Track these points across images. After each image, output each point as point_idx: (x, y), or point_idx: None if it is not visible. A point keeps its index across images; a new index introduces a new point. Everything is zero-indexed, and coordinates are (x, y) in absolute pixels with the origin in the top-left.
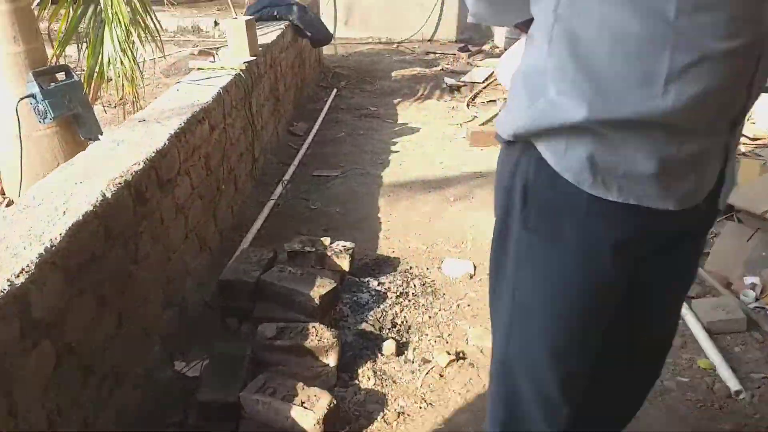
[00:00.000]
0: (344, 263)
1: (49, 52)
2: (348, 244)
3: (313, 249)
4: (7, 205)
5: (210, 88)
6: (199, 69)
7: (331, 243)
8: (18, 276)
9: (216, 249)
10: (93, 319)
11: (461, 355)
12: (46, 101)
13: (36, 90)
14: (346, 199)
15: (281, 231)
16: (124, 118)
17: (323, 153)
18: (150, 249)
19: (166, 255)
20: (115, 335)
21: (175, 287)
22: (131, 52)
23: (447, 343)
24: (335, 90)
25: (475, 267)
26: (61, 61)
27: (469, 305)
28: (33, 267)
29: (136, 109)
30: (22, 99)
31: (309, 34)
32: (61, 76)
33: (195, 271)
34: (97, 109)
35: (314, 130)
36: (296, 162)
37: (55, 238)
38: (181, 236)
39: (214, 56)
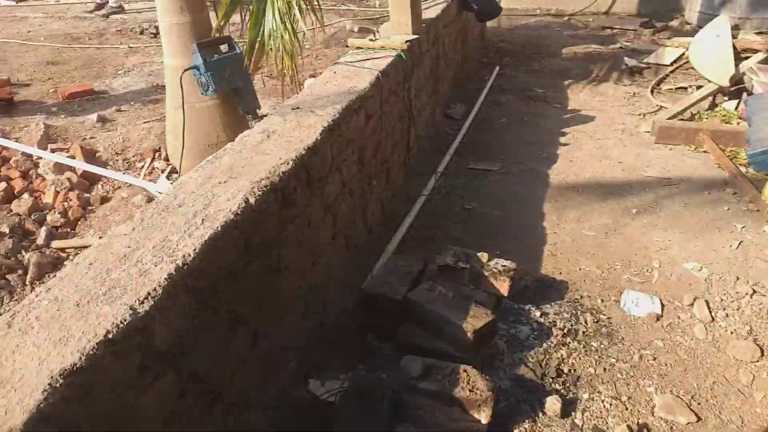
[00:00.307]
0: (503, 287)
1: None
2: (509, 264)
3: (468, 266)
4: (170, 173)
5: (368, 71)
6: (357, 48)
7: (488, 260)
8: (143, 302)
9: (362, 247)
10: (225, 341)
11: (645, 430)
12: (209, 74)
13: (200, 62)
14: (505, 199)
15: (432, 232)
16: (283, 92)
17: (481, 141)
18: (294, 256)
19: (310, 260)
20: (249, 355)
21: (316, 295)
22: (291, 24)
23: (626, 409)
24: (498, 68)
25: (663, 306)
26: (226, 29)
27: (655, 359)
28: (160, 291)
29: (294, 83)
30: (186, 70)
31: (475, 6)
32: (223, 47)
33: (338, 275)
34: (257, 79)
35: (473, 114)
36: (451, 151)
37: (188, 255)
38: (328, 238)
39: (374, 34)
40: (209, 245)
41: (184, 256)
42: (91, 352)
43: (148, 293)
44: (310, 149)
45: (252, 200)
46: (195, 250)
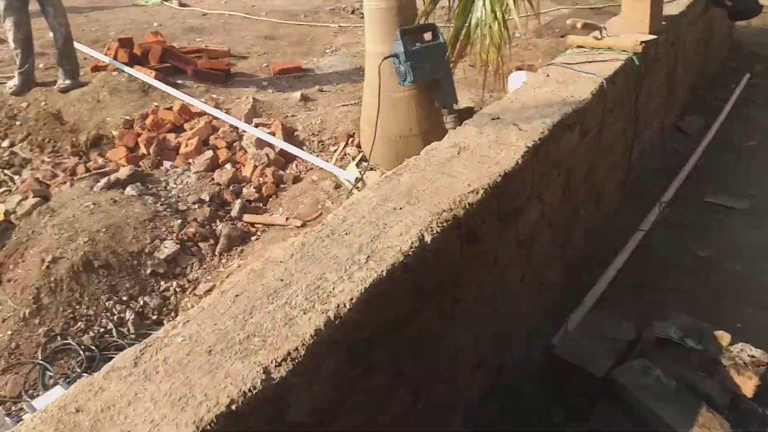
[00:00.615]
0: (747, 385)
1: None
2: (759, 356)
3: (700, 347)
4: (360, 161)
5: (589, 77)
6: (578, 47)
7: (730, 344)
8: (280, 364)
9: (557, 289)
10: (379, 403)
11: None
12: (409, 63)
13: (401, 50)
14: (753, 252)
15: (650, 280)
16: (484, 85)
17: (723, 167)
18: (472, 300)
19: (491, 304)
20: (405, 417)
21: (494, 345)
22: (502, 14)
23: None
24: (748, 75)
25: None
26: (432, 15)
27: None
28: (303, 352)
29: (497, 77)
30: (386, 58)
31: (729, 3)
32: (427, 35)
33: (523, 322)
34: (459, 68)
35: (713, 131)
36: (682, 176)
37: (343, 305)
38: (516, 278)
39: (600, 31)
40: (370, 293)
41: (338, 306)
42: (208, 428)
43: (288, 353)
44: (507, 176)
45: (428, 238)
46: (352, 299)
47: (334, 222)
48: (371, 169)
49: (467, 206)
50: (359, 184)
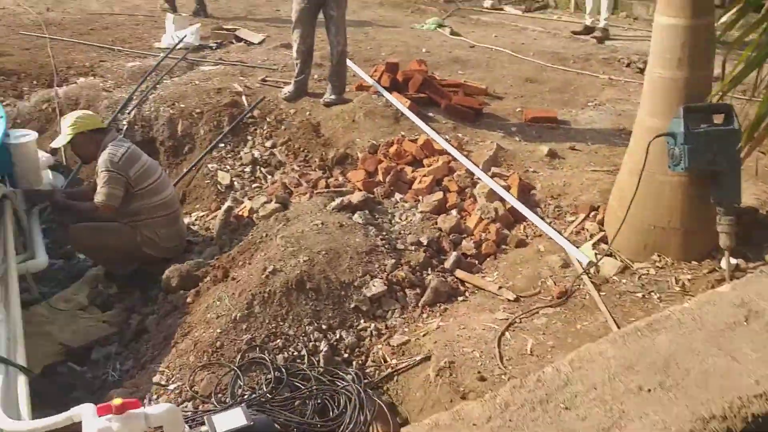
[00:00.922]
0: None
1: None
2: None
3: None
4: (598, 242)
5: None
6: None
7: None
8: None
9: None
10: None
11: None
12: (686, 147)
13: (680, 130)
14: None
15: None
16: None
17: None
18: None
19: None
20: None
21: None
22: None
23: None
24: None
25: None
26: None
27: None
28: None
29: None
30: (659, 136)
31: None
32: (717, 118)
33: None
34: (751, 156)
35: None
36: None
37: None
38: None
39: None
40: None
41: None
42: None
43: None
44: None
45: None
46: None
47: (552, 382)
48: (610, 254)
49: (749, 418)
50: (591, 270)
